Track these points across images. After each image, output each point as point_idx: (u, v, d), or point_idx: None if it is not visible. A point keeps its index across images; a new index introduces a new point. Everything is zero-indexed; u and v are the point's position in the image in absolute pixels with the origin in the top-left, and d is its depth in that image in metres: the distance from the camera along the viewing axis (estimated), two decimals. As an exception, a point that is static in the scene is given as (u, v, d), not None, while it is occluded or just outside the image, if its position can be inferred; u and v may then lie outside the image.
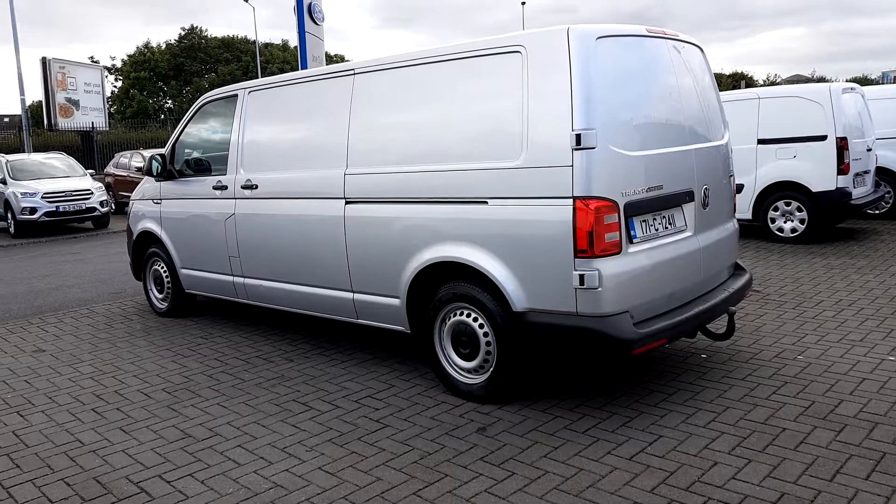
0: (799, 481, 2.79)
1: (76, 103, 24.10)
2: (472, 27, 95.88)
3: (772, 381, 3.87)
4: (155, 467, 3.18)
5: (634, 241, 3.38)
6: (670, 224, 3.63)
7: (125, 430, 3.63)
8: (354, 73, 4.22)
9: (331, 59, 42.82)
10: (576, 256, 3.21)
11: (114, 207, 15.41)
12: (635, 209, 3.36)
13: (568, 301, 3.27)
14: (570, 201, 3.20)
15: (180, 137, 5.67)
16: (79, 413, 3.90)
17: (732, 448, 3.10)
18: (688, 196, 3.71)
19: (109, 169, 17.61)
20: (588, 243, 3.18)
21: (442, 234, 3.70)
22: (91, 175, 14.82)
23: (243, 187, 4.93)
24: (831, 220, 8.03)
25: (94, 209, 13.59)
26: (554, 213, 3.26)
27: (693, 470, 2.93)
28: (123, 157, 17.07)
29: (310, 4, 14.28)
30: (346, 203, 4.19)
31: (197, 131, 5.63)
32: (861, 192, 7.95)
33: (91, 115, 24.53)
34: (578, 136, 3.16)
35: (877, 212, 9.48)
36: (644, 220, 3.45)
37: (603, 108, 3.23)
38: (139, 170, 15.87)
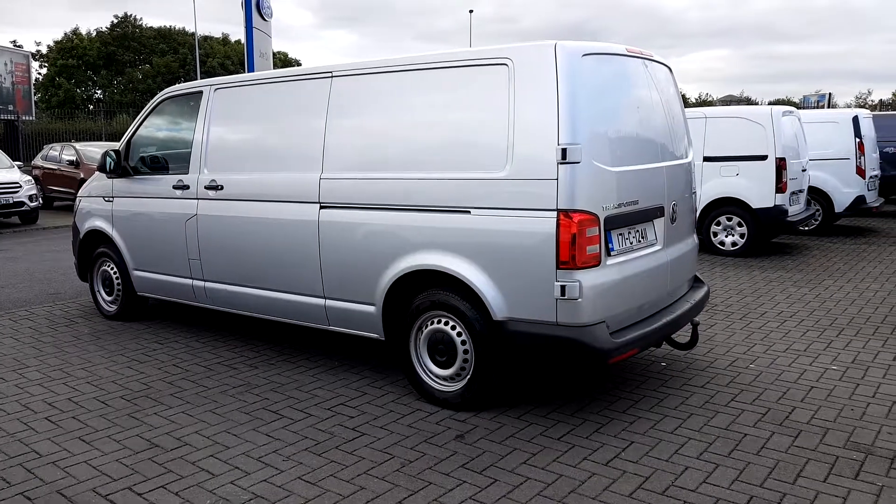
0: (765, 485, 2.96)
1: (-1, 90, 22.63)
2: (418, 32, 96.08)
3: (729, 388, 4.08)
4: (123, 479, 3.04)
5: (612, 253, 3.50)
6: (643, 238, 3.77)
7: (85, 440, 3.45)
8: (332, 76, 4.18)
9: (274, 57, 41.80)
10: (558, 268, 3.30)
11: (41, 202, 14.53)
12: (614, 223, 3.48)
13: (549, 311, 3.35)
14: (554, 214, 3.29)
15: (137, 132, 5.44)
16: (31, 422, 3.68)
17: (700, 453, 3.25)
18: (659, 211, 3.87)
19: (38, 161, 16.61)
20: (570, 255, 3.27)
21: (422, 242, 3.71)
22: (18, 167, 13.93)
23: (207, 188, 4.78)
24: (769, 235, 8.52)
25: (23, 203, 12.77)
26: (537, 225, 3.33)
27: (666, 475, 3.05)
28: (53, 150, 16.14)
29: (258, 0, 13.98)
30: (321, 208, 4.13)
31: (156, 127, 5.42)
32: (796, 209, 8.48)
33: (15, 102, 23.07)
34: (564, 151, 3.25)
35: (806, 228, 10.12)
36: (621, 234, 3.58)
37: (587, 123, 3.33)
38: (71, 163, 15.07)
